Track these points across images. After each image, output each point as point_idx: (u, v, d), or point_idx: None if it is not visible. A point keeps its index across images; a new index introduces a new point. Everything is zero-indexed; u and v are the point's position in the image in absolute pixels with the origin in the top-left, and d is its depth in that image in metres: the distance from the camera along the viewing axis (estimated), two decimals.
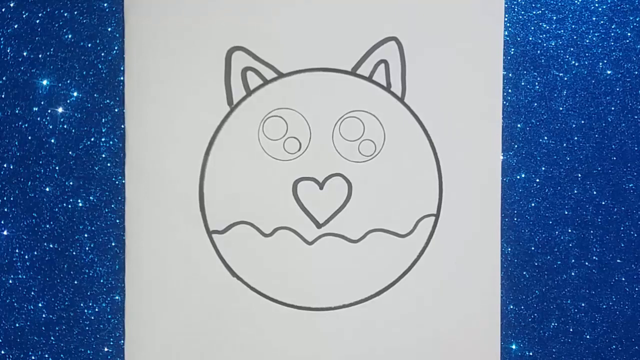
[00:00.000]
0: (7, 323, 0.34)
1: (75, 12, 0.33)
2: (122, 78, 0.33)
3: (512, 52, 0.34)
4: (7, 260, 0.34)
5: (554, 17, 0.34)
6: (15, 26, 0.33)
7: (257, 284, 0.33)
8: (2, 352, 0.34)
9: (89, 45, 0.33)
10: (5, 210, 0.34)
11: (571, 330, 0.35)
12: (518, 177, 0.34)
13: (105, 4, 0.33)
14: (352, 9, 0.33)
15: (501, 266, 0.34)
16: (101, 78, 0.33)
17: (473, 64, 0.33)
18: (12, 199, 0.34)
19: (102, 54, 0.33)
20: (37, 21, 0.33)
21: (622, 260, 0.35)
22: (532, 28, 0.34)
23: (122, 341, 0.34)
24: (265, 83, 0.33)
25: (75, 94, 0.33)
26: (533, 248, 0.34)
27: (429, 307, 0.33)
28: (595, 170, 0.34)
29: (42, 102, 0.33)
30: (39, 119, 0.33)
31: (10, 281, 0.34)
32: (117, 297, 0.34)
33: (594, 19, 0.34)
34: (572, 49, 0.34)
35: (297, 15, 0.33)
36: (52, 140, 0.33)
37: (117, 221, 0.34)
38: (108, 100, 0.33)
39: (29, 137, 0.33)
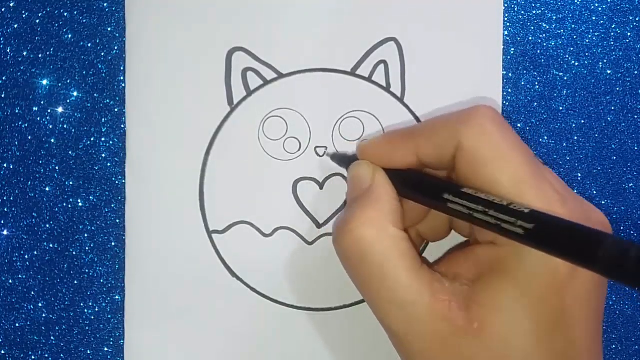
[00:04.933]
0: (7, 323, 0.34)
1: (75, 12, 0.33)
2: (122, 78, 0.33)
3: (512, 52, 0.34)
4: (7, 260, 0.34)
5: (554, 17, 0.34)
6: (15, 26, 0.33)
7: (257, 284, 0.33)
8: (2, 352, 0.34)
9: (89, 45, 0.33)
10: (5, 210, 0.34)
11: None
12: None
13: (106, 4, 0.33)
14: (352, 10, 0.33)
15: None
16: (101, 78, 0.33)
17: (472, 64, 0.33)
18: (12, 199, 0.34)
19: (102, 54, 0.33)
20: (37, 21, 0.33)
21: None
22: (532, 28, 0.34)
23: (122, 341, 0.34)
24: (265, 83, 0.33)
25: (75, 94, 0.33)
26: None
27: None
28: (595, 170, 0.34)
29: (42, 102, 0.33)
30: (39, 119, 0.33)
31: (10, 281, 0.34)
32: (117, 297, 0.34)
33: (594, 19, 0.34)
34: (572, 49, 0.34)
35: (297, 16, 0.33)
36: (52, 140, 0.33)
37: (117, 221, 0.34)
38: (108, 100, 0.33)
39: (29, 137, 0.33)
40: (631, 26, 0.34)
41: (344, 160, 0.31)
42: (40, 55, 0.33)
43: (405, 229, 0.29)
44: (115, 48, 0.33)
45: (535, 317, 0.23)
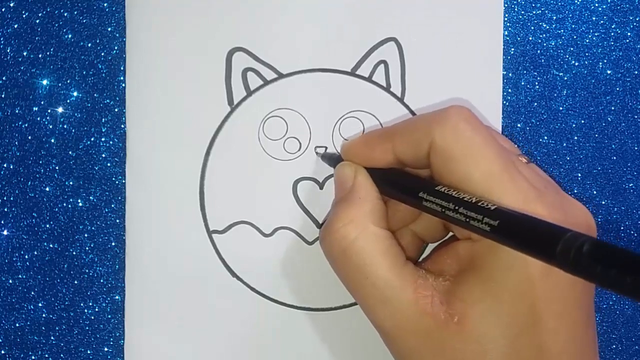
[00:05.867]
0: (7, 323, 0.34)
1: (75, 12, 0.33)
2: (122, 78, 0.33)
3: (512, 52, 0.34)
4: (7, 260, 0.34)
5: (554, 17, 0.34)
6: (15, 26, 0.33)
7: (257, 284, 0.33)
8: (2, 352, 0.34)
9: (89, 45, 0.33)
10: (5, 210, 0.34)
11: None
12: None
13: (106, 4, 0.33)
14: (352, 10, 0.33)
15: None
16: (101, 78, 0.33)
17: (473, 64, 0.33)
18: (12, 199, 0.34)
19: (102, 54, 0.33)
20: (37, 21, 0.33)
21: None
22: (532, 28, 0.34)
23: (122, 341, 0.34)
24: (265, 83, 0.33)
25: (75, 94, 0.33)
26: None
27: None
28: (595, 170, 0.34)
29: (42, 102, 0.33)
30: (39, 119, 0.33)
31: (10, 281, 0.34)
32: (117, 297, 0.34)
33: (594, 19, 0.34)
34: (572, 49, 0.34)
35: (297, 17, 0.33)
36: (52, 140, 0.33)
37: (117, 221, 0.34)
38: (108, 100, 0.33)
39: (29, 137, 0.33)
40: (631, 26, 0.34)
41: (332, 159, 0.31)
42: (40, 55, 0.33)
43: (398, 230, 0.29)
44: (115, 48, 0.33)
45: (510, 311, 0.24)
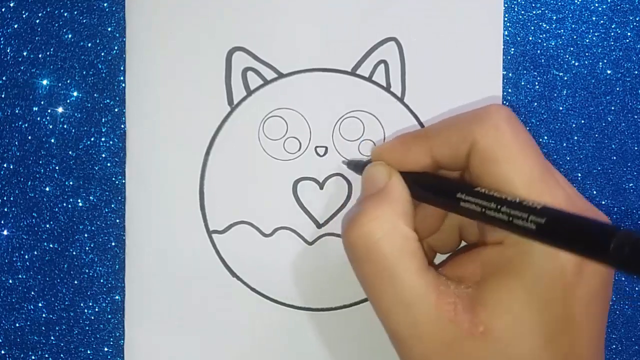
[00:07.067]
0: (7, 323, 0.34)
1: (75, 12, 0.33)
2: (122, 78, 0.33)
3: (512, 52, 0.34)
4: (7, 260, 0.34)
5: (554, 17, 0.34)
6: (15, 26, 0.33)
7: (257, 284, 0.33)
8: (2, 352, 0.34)
9: (89, 45, 0.33)
10: (5, 210, 0.34)
11: None
12: None
13: (106, 4, 0.33)
14: (352, 10, 0.33)
15: None
16: (101, 78, 0.33)
17: (473, 64, 0.33)
18: (12, 199, 0.34)
19: (102, 54, 0.33)
20: (37, 21, 0.33)
21: None
22: (532, 28, 0.34)
23: (122, 341, 0.34)
24: (265, 83, 0.33)
25: (75, 94, 0.33)
26: None
27: None
28: (595, 170, 0.34)
29: (42, 102, 0.33)
30: (39, 119, 0.33)
31: (10, 281, 0.34)
32: (117, 297, 0.34)
33: (594, 18, 0.34)
34: (572, 49, 0.34)
35: (297, 16, 0.33)
36: (52, 140, 0.33)
37: (117, 221, 0.34)
38: (108, 100, 0.33)
39: (29, 137, 0.33)
40: (631, 26, 0.34)
41: (359, 166, 0.31)
42: (40, 55, 0.33)
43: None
44: (115, 48, 0.33)
45: (541, 318, 0.23)
